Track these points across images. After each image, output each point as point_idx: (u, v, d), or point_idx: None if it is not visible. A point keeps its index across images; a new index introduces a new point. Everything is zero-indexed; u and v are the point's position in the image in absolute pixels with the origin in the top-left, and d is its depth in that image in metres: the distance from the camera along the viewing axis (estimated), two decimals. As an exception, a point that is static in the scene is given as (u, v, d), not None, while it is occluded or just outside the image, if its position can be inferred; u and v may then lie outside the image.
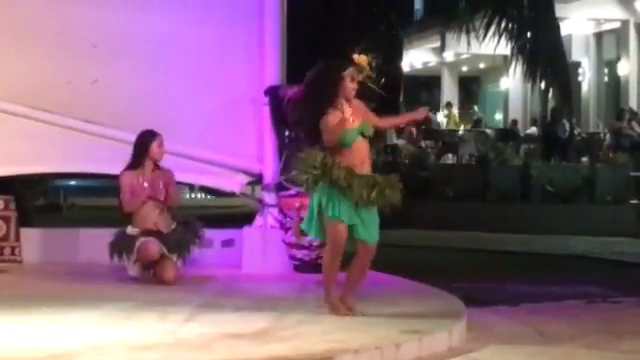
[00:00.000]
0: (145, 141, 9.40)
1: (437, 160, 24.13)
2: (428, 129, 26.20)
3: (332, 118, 7.30)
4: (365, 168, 7.38)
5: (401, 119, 8.30)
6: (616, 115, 24.66)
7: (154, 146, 9.37)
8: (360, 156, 7.36)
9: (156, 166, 9.44)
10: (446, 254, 14.26)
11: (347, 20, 16.76)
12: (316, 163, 7.23)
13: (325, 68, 7.51)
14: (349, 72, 7.42)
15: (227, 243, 10.45)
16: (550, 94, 19.68)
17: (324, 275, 7.50)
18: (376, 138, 7.64)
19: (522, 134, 26.81)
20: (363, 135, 7.41)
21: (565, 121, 22.76)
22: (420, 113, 7.96)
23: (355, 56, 7.40)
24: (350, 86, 7.40)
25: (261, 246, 10.17)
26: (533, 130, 26.77)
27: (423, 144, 24.14)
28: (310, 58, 11.50)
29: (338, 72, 7.40)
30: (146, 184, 9.30)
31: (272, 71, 10.50)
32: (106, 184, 17.08)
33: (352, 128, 7.35)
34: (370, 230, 7.37)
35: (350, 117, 7.37)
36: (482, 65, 34.15)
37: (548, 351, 6.94)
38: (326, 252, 7.51)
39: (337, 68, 7.45)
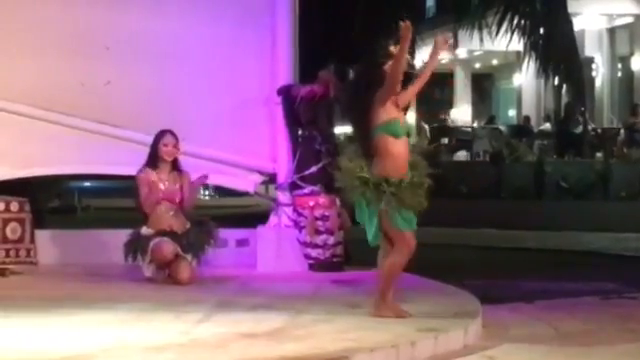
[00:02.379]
0: (155, 141, 9.42)
1: (450, 157, 24.11)
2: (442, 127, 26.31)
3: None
4: (405, 170, 7.31)
5: (427, 71, 7.91)
6: (630, 110, 24.60)
7: (160, 144, 9.38)
8: (404, 157, 7.28)
9: (175, 168, 9.43)
10: (460, 251, 14.25)
11: (359, 19, 16.76)
12: (370, 178, 7.17)
13: (368, 66, 7.48)
14: (389, 65, 7.39)
15: (241, 243, 10.46)
16: (563, 90, 19.62)
17: (388, 280, 7.30)
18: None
19: (535, 130, 26.79)
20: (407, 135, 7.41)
21: (579, 117, 22.72)
22: (440, 42, 7.68)
23: (392, 48, 7.38)
24: None
25: (275, 245, 10.18)
26: (547, 126, 26.74)
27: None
28: (322, 57, 11.54)
29: (381, 67, 7.37)
30: (162, 185, 9.30)
31: (285, 70, 10.51)
32: (120, 185, 17.12)
33: (400, 122, 7.35)
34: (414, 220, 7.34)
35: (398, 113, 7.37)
36: (495, 62, 34.10)
37: (563, 348, 6.92)
38: (397, 259, 7.27)
39: (379, 64, 7.41)
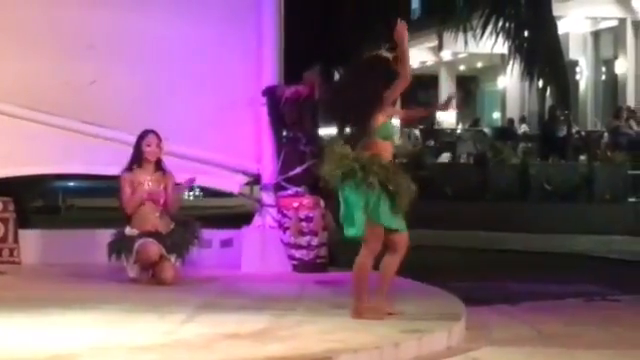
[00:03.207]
0: (137, 141, 9.39)
1: (435, 159, 24.15)
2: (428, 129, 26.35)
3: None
4: None
5: (426, 112, 8.02)
6: (614, 113, 24.65)
7: (143, 145, 9.36)
8: (389, 155, 7.31)
9: (159, 168, 9.41)
10: (445, 253, 14.26)
11: (345, 20, 16.78)
12: (357, 156, 7.15)
13: (369, 62, 7.48)
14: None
15: (226, 243, 10.45)
16: (548, 93, 19.68)
17: (361, 280, 7.26)
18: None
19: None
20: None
21: (563, 120, 22.78)
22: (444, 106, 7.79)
23: (382, 51, 7.42)
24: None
25: (260, 246, 10.18)
26: (524, 127, 26.85)
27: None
28: (307, 58, 11.55)
29: (387, 61, 7.40)
30: (146, 186, 9.27)
31: (270, 71, 10.52)
32: (104, 185, 17.07)
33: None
34: (401, 219, 7.28)
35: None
36: (480, 64, 34.18)
37: (547, 350, 6.94)
38: (365, 255, 7.24)
39: (384, 59, 7.43)
